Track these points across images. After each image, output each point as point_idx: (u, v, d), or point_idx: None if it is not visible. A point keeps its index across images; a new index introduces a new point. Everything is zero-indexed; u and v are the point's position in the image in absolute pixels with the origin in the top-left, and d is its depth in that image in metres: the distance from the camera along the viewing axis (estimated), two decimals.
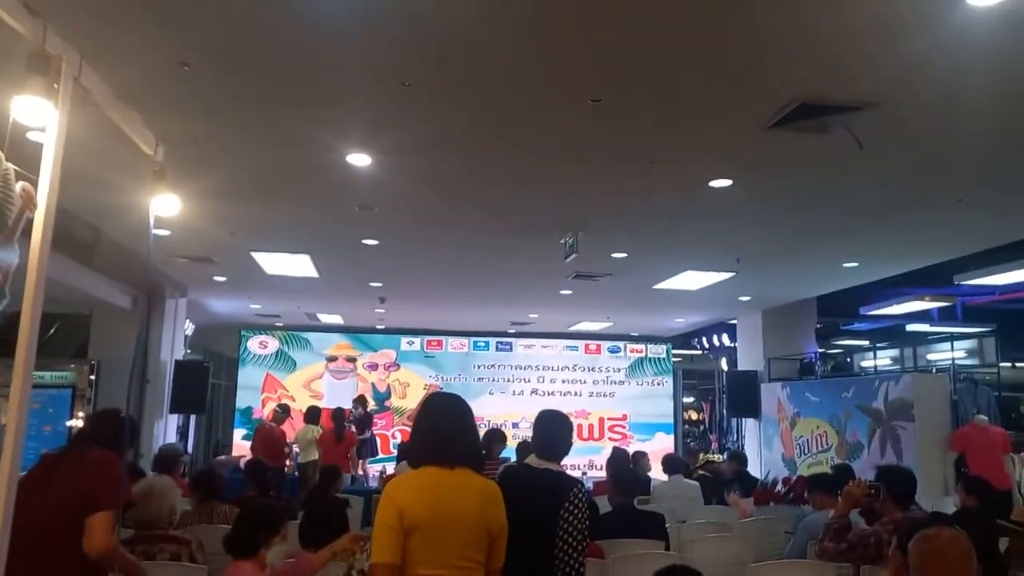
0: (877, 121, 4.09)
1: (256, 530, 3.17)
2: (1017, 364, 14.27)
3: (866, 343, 14.82)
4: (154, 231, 6.67)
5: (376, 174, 5.10)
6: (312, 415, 9.79)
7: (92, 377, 8.76)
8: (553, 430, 3.25)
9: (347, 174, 5.09)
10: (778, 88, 3.80)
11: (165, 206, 2.81)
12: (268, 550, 3.15)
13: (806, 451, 9.83)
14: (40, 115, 1.87)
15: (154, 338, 9.79)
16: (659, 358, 13.76)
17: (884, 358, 13.25)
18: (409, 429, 11.58)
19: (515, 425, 13.13)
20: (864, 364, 12.50)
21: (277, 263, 8.11)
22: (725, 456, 8.97)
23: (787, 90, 3.81)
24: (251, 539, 3.15)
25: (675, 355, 14.16)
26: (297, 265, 8.16)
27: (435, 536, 2.31)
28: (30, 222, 1.88)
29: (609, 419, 13.44)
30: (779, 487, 6.56)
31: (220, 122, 4.29)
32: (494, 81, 3.75)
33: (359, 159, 4.83)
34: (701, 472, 8.10)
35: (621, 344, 13.73)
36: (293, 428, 11.48)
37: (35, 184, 1.88)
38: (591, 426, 13.34)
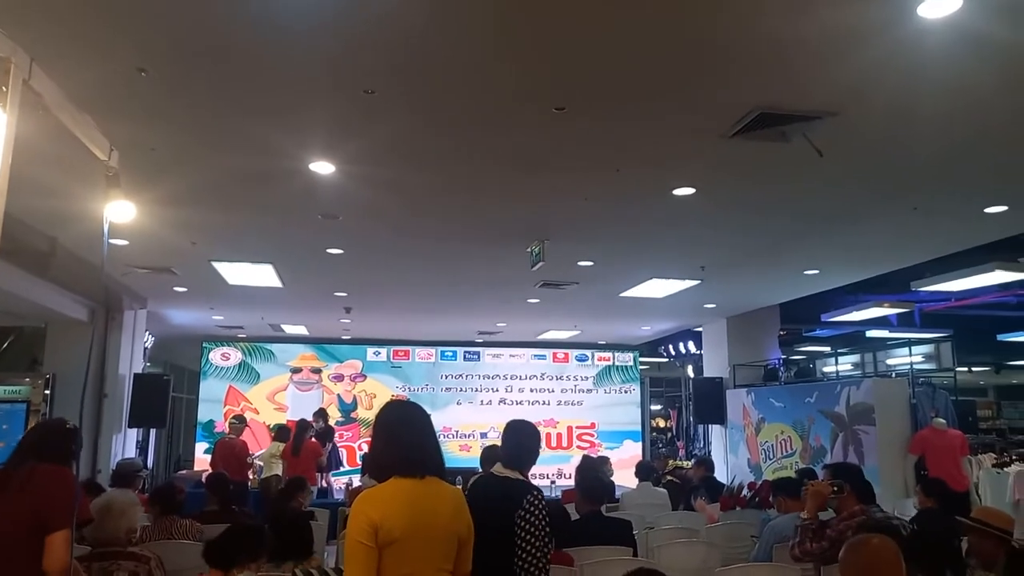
0: (835, 130, 4.16)
1: (238, 549, 3.13)
2: (973, 368, 14.65)
3: (828, 349, 15.08)
4: (111, 240, 6.54)
5: (339, 182, 5.05)
6: (281, 435, 9.60)
7: (47, 391, 8.53)
8: (519, 440, 3.29)
9: (310, 182, 5.03)
10: (737, 98, 3.85)
11: (119, 213, 2.74)
12: (241, 573, 3.10)
13: (771, 456, 9.94)
14: None
15: (112, 351, 9.56)
16: (626, 366, 13.84)
17: (845, 363, 13.50)
18: None
19: (483, 435, 13.09)
20: (826, 370, 12.70)
21: (239, 273, 7.99)
22: (692, 462, 9.02)
23: (746, 100, 3.87)
24: (230, 555, 3.11)
25: (642, 363, 14.25)
26: (260, 275, 8.05)
27: (411, 549, 2.28)
28: None
29: (577, 427, 13.46)
30: (745, 492, 6.62)
31: (178, 128, 4.21)
32: (458, 89, 3.74)
33: (322, 167, 4.79)
34: (669, 478, 8.14)
35: (589, 352, 13.78)
36: (256, 439, 11.32)
37: None
38: (559, 435, 13.36)
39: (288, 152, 4.54)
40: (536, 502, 3.00)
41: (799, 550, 4.03)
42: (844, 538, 3.89)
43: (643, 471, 7.48)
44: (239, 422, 9.62)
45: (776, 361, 11.16)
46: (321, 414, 10.87)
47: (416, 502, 2.34)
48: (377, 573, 2.24)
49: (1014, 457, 8.36)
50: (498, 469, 3.17)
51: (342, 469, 11.53)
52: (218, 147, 4.49)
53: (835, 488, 4.15)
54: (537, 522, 2.95)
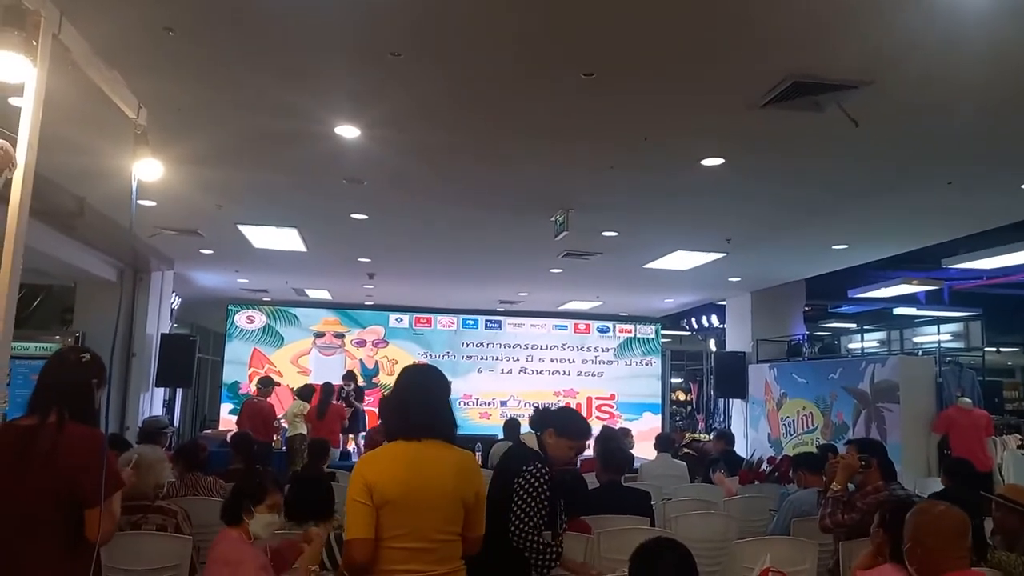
0: (870, 99, 4.05)
1: (239, 499, 3.18)
2: (1002, 349, 14.41)
3: (853, 326, 14.89)
4: (139, 201, 6.60)
5: (365, 147, 5.03)
6: (304, 393, 9.75)
7: None
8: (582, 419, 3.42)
9: (335, 146, 5.02)
10: (770, 66, 3.76)
11: (148, 171, 2.75)
12: (251, 519, 3.15)
13: (792, 432, 9.90)
14: (17, 71, 1.80)
15: (140, 311, 9.70)
16: (648, 338, 13.79)
17: (871, 341, 13.33)
18: None
19: (503, 403, 13.17)
20: (851, 346, 12.57)
21: (264, 237, 8.03)
22: (712, 435, 9.02)
23: (779, 68, 3.78)
24: (235, 508, 3.16)
25: (664, 336, 14.20)
26: (285, 239, 8.09)
27: (408, 510, 2.29)
28: (8, 182, 1.82)
29: (597, 399, 13.48)
30: (764, 466, 6.61)
31: (204, 88, 4.20)
32: (485, 52, 3.69)
33: (347, 131, 4.76)
34: (687, 451, 8.14)
35: (610, 324, 13.74)
36: (280, 401, 11.47)
37: (14, 143, 1.82)
38: (579, 405, 13.34)
39: (314, 115, 4.52)
40: (533, 471, 3.05)
41: (830, 520, 4.03)
42: (872, 511, 3.93)
43: (662, 443, 7.48)
44: (265, 385, 9.75)
45: (800, 337, 11.06)
46: (351, 376, 11.00)
47: (413, 464, 2.35)
48: (376, 532, 2.27)
49: None
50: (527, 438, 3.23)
51: (367, 431, 11.67)
52: (244, 108, 4.48)
53: (863, 463, 4.16)
54: (531, 490, 3.00)
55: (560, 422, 3.32)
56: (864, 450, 4.28)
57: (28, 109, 1.80)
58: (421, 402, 2.47)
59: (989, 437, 7.58)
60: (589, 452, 5.85)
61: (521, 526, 2.98)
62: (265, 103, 4.38)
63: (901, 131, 4.60)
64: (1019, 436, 8.26)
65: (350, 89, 4.20)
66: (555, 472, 3.25)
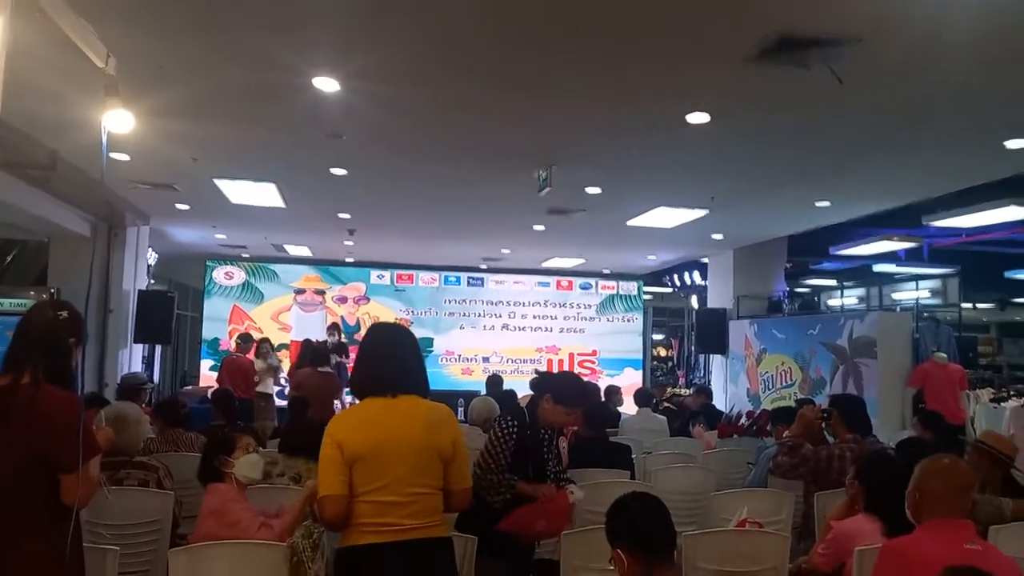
0: (859, 57, 4.00)
1: (212, 456, 3.17)
2: (978, 305, 14.64)
3: (834, 283, 15.04)
4: (113, 155, 6.44)
5: (344, 100, 4.91)
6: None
7: None
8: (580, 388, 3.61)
9: (314, 99, 4.89)
10: (760, 21, 3.70)
11: (118, 122, 2.66)
12: (231, 468, 3.14)
13: (770, 386, 10.04)
14: None
15: (116, 267, 9.56)
16: (630, 295, 13.84)
17: (851, 297, 13.49)
18: None
19: (485, 360, 13.22)
20: (831, 303, 12.71)
21: (242, 192, 7.89)
22: (691, 390, 9.12)
23: (769, 23, 3.72)
24: (210, 465, 3.15)
25: (646, 292, 14.25)
26: (262, 194, 7.95)
27: (379, 465, 2.32)
28: None
29: (579, 355, 13.56)
30: (743, 420, 6.70)
31: (178, 36, 4.05)
32: (469, 2, 3.58)
33: (326, 83, 4.64)
34: (667, 405, 8.24)
35: (593, 281, 13.76)
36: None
37: None
38: (561, 361, 13.46)
39: (291, 66, 4.39)
40: (500, 423, 3.41)
41: (773, 463, 4.24)
42: (817, 458, 4.08)
43: (640, 398, 7.57)
44: (244, 341, 9.68)
45: (781, 293, 11.14)
46: (335, 328, 10.95)
47: (382, 419, 2.38)
48: (350, 488, 2.30)
49: (1011, 392, 8.44)
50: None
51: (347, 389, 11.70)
52: (219, 58, 4.34)
53: (824, 414, 4.33)
54: (493, 439, 3.38)
55: (557, 389, 3.43)
56: (832, 405, 4.46)
57: None
58: (388, 358, 2.50)
59: (963, 391, 7.74)
60: None
61: (476, 468, 3.30)
62: (241, 53, 4.25)
63: (887, 89, 4.56)
64: (991, 390, 8.45)
65: (329, 39, 4.08)
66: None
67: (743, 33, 3.83)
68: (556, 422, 3.48)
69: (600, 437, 4.87)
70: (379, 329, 2.71)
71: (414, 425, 2.40)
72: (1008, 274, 12.88)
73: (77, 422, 2.21)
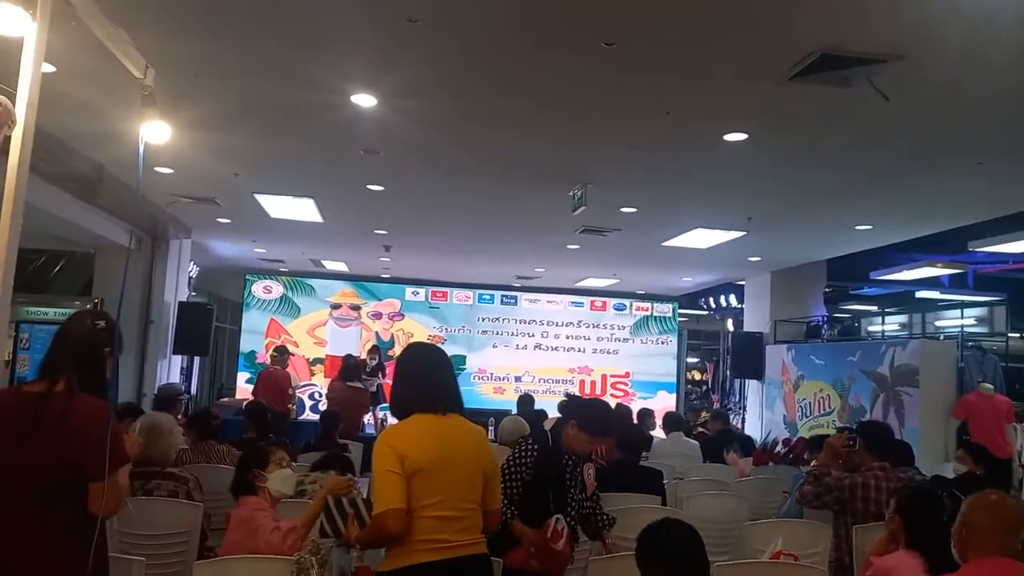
0: (900, 75, 3.92)
1: (246, 470, 3.18)
2: None
3: (874, 308, 14.70)
4: (157, 168, 6.59)
5: (381, 116, 4.96)
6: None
7: None
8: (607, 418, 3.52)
9: (351, 115, 4.95)
10: (799, 38, 3.65)
11: (155, 133, 2.70)
12: (264, 483, 3.15)
13: (808, 414, 9.81)
14: (16, 24, 1.75)
15: (158, 278, 9.75)
16: (665, 317, 13.70)
17: (892, 324, 13.16)
18: None
19: (517, 379, 13.17)
20: (871, 329, 12.41)
21: (281, 206, 8.01)
22: (709, 416, 8.95)
23: (808, 40, 3.66)
24: (244, 479, 3.16)
25: (681, 315, 14.09)
26: (301, 209, 8.06)
27: (438, 479, 2.35)
28: (8, 139, 1.78)
29: (612, 376, 13.44)
30: (779, 448, 6.53)
31: (217, 51, 4.12)
32: (504, 18, 3.60)
33: (364, 100, 4.69)
34: (700, 430, 8.10)
35: (627, 302, 13.65)
36: (296, 371, 11.55)
37: (12, 98, 1.77)
38: (593, 382, 13.36)
39: (329, 83, 4.45)
40: (520, 445, 3.33)
41: (799, 492, 4.14)
42: (841, 486, 3.97)
43: (670, 422, 7.44)
44: (280, 354, 9.78)
45: (820, 318, 10.92)
46: (376, 350, 11.04)
47: (440, 435, 2.42)
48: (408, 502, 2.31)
49: None
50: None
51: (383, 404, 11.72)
52: (258, 74, 4.41)
53: (850, 443, 4.22)
54: (510, 461, 3.27)
55: (583, 416, 3.36)
56: (857, 432, 4.34)
57: (28, 65, 1.75)
58: (435, 376, 2.55)
59: (1009, 424, 7.46)
60: None
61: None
62: (279, 69, 4.32)
63: (931, 109, 4.46)
64: None
65: (366, 56, 4.13)
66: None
67: (782, 50, 3.78)
68: (579, 449, 3.37)
69: (632, 461, 4.78)
70: (422, 348, 2.76)
71: (466, 443, 2.48)
72: None
73: (106, 430, 2.21)
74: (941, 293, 11.92)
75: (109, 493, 2.24)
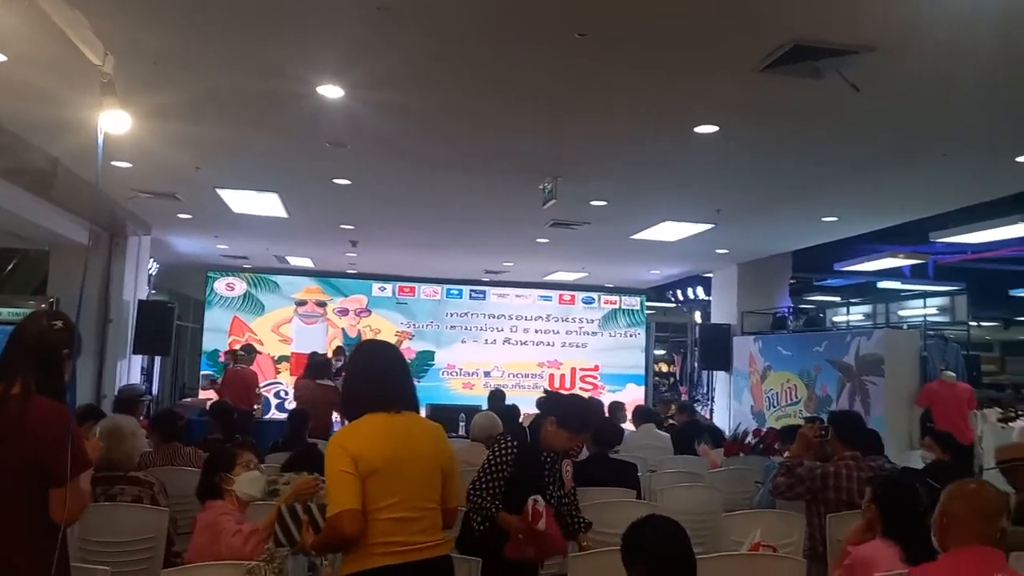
0: (872, 67, 3.94)
1: (212, 474, 3.09)
2: (983, 323, 14.55)
3: (838, 299, 14.93)
4: (115, 163, 6.39)
5: (348, 108, 4.86)
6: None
7: None
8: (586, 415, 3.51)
9: (318, 106, 4.83)
10: (771, 28, 3.64)
11: (115, 123, 2.58)
12: (231, 485, 3.06)
13: (775, 404, 9.92)
14: None
15: (116, 276, 9.47)
16: (633, 310, 13.73)
17: (856, 314, 13.38)
18: None
19: (487, 374, 13.10)
20: (837, 319, 12.60)
21: (244, 201, 7.83)
22: (675, 408, 9.01)
23: (780, 31, 3.66)
24: (210, 482, 3.07)
25: (649, 307, 14.15)
26: (265, 204, 7.89)
27: (394, 480, 2.29)
28: None
29: (581, 369, 13.44)
30: (750, 438, 6.59)
31: (179, 39, 3.97)
32: (475, 7, 3.53)
33: (330, 91, 4.58)
34: (671, 422, 8.13)
35: (595, 295, 13.67)
36: (261, 370, 11.33)
37: None
38: (563, 376, 13.34)
39: (295, 72, 4.33)
40: (498, 444, 3.33)
41: (772, 484, 4.18)
42: (812, 476, 4.02)
43: (640, 415, 7.46)
44: (247, 352, 9.59)
45: (786, 309, 11.04)
46: (341, 351, 10.85)
47: (395, 434, 2.37)
48: (364, 503, 2.25)
49: (1020, 412, 8.32)
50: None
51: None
52: (221, 62, 4.26)
53: (822, 432, 4.27)
54: (490, 458, 3.30)
55: (562, 412, 3.33)
56: (828, 422, 4.39)
57: None
58: (390, 374, 2.49)
59: (972, 411, 7.62)
60: None
61: (469, 486, 3.24)
62: (243, 58, 4.19)
63: (900, 101, 4.50)
64: (999, 410, 8.33)
65: (333, 45, 4.02)
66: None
67: (755, 41, 3.77)
68: (558, 446, 3.35)
69: (605, 454, 4.76)
70: (377, 346, 2.72)
71: (423, 441, 2.43)
72: (1013, 292, 12.79)
73: (66, 434, 2.15)
74: (902, 283, 12.15)
75: (71, 499, 2.16)
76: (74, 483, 2.16)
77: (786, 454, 4.34)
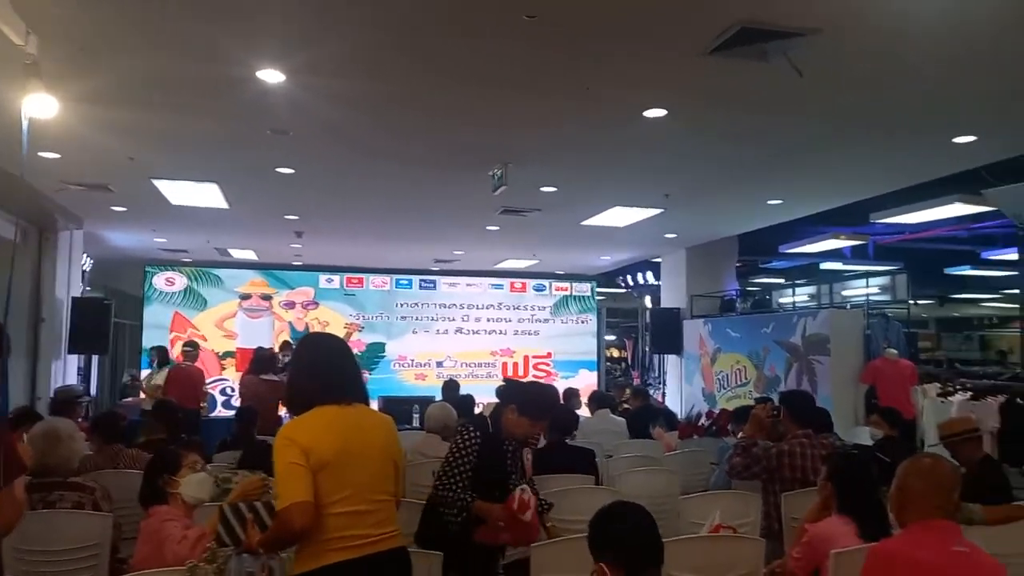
0: (818, 50, 3.97)
1: (155, 477, 2.95)
2: (920, 301, 15.06)
3: (783, 281, 15.26)
4: (42, 154, 6.07)
5: (290, 93, 4.69)
6: (162, 357, 9.35)
7: None
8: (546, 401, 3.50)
9: (258, 92, 4.65)
10: (718, 10, 3.63)
11: (40, 107, 2.41)
12: (176, 488, 2.93)
13: (726, 385, 10.08)
14: None
15: (47, 273, 9.05)
16: (584, 296, 13.80)
17: (802, 295, 13.69)
18: None
19: (439, 364, 13.01)
20: (782, 301, 12.88)
21: (182, 193, 7.54)
22: (628, 393, 9.09)
23: (729, 12, 3.65)
24: (154, 486, 2.92)
25: (599, 293, 14.24)
26: (204, 195, 7.61)
27: (346, 473, 2.24)
28: None
29: (534, 357, 13.45)
30: (703, 420, 6.66)
31: (111, 17, 3.74)
32: None
33: (271, 75, 4.41)
34: (626, 407, 8.18)
35: (546, 283, 13.68)
36: (206, 367, 11.01)
37: None
38: (516, 364, 13.34)
39: (233, 55, 4.15)
40: (463, 432, 3.30)
41: (728, 465, 4.25)
42: (768, 455, 4.10)
43: (596, 400, 7.49)
44: (192, 348, 9.29)
45: (734, 292, 11.22)
46: (287, 345, 10.59)
47: (345, 426, 2.31)
48: (316, 497, 2.19)
49: (957, 387, 8.61)
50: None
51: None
52: (154, 43, 4.03)
53: (774, 412, 4.38)
54: (454, 449, 3.25)
55: (522, 400, 3.29)
56: (780, 402, 4.52)
57: None
58: (338, 366, 2.44)
59: (913, 386, 7.85)
60: None
61: (436, 480, 3.22)
62: (181, 40, 3.99)
63: (844, 84, 4.55)
64: (938, 385, 8.60)
65: (274, 29, 3.87)
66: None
67: (702, 23, 3.76)
68: (519, 434, 3.31)
69: (562, 441, 4.74)
70: (322, 338, 2.74)
71: (375, 433, 2.40)
72: (948, 270, 13.25)
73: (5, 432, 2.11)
74: (844, 264, 12.46)
75: (5, 507, 2.07)
76: (8, 490, 2.07)
77: (740, 435, 4.39)
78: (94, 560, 3.25)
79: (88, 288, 10.98)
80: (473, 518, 3.14)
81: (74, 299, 9.48)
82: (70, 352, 9.46)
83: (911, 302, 9.76)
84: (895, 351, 7.93)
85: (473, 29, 3.83)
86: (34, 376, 8.92)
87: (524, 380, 3.70)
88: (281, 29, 3.88)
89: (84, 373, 10.41)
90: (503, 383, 3.83)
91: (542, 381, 10.06)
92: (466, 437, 3.25)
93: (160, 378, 8.91)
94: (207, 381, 10.17)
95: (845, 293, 12.65)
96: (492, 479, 3.23)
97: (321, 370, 2.41)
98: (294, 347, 2.57)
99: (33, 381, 8.89)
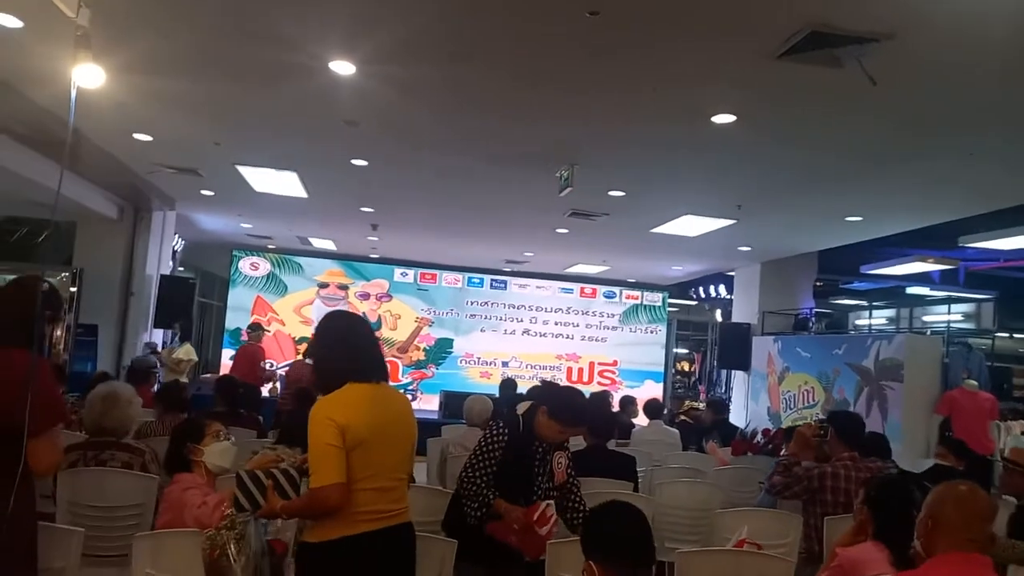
0: (891, 55, 3.81)
1: (179, 444, 3.06)
2: (1015, 335, 14.15)
3: (864, 303, 14.63)
4: (136, 135, 6.46)
5: (360, 85, 4.83)
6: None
7: (72, 288, 8.61)
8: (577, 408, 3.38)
9: (330, 82, 4.81)
10: (788, 13, 3.54)
11: (87, 77, 2.57)
12: (200, 456, 3.03)
13: (792, 406, 9.75)
14: None
15: (140, 250, 9.65)
16: (654, 306, 13.62)
17: (880, 318, 13.10)
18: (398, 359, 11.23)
19: (504, 364, 13.09)
20: (859, 323, 12.34)
21: (264, 179, 7.87)
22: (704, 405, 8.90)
23: (797, 16, 3.56)
24: (178, 454, 3.04)
25: (671, 304, 14.02)
26: (285, 183, 7.92)
27: (376, 451, 2.32)
28: None
29: (599, 364, 13.37)
30: (759, 438, 6.47)
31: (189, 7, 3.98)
32: None
33: (342, 67, 4.56)
34: (683, 418, 8.03)
35: (617, 290, 13.57)
36: (281, 349, 11.44)
37: None
38: (580, 370, 13.29)
39: (306, 48, 4.31)
40: (492, 427, 3.30)
41: (768, 483, 4.11)
42: (809, 476, 3.95)
43: (650, 410, 7.39)
44: (256, 330, 9.68)
45: (808, 311, 10.84)
46: None
47: (376, 404, 2.38)
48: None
49: None
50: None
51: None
52: (227, 27, 4.22)
53: (821, 432, 4.19)
54: (482, 443, 3.24)
55: (553, 403, 3.23)
56: (827, 421, 4.31)
57: None
58: (367, 345, 2.50)
59: (993, 421, 7.40)
60: None
61: (461, 471, 3.23)
62: (251, 26, 4.15)
63: (921, 92, 4.35)
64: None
65: (344, 19, 3.98)
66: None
67: (772, 26, 3.67)
68: (549, 438, 3.24)
69: (602, 447, 4.70)
70: (346, 316, 2.79)
71: (403, 411, 2.48)
72: None
73: (48, 379, 2.27)
74: (931, 290, 11.85)
75: (44, 450, 2.22)
76: (46, 436, 2.22)
77: (783, 453, 4.25)
78: (137, 519, 3.38)
79: (180, 268, 11.58)
80: (493, 514, 3.13)
81: (162, 276, 10.04)
82: (155, 326, 10.01)
83: (1003, 334, 9.20)
84: (975, 382, 7.49)
85: (537, 24, 3.84)
86: (121, 346, 9.49)
87: (562, 385, 3.64)
88: (351, 20, 3.97)
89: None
90: (537, 384, 3.81)
91: (595, 387, 9.98)
92: (493, 433, 3.24)
93: (182, 352, 9.07)
94: (280, 364, 10.55)
95: (926, 319, 12.03)
96: (518, 479, 3.20)
97: (351, 349, 2.46)
98: (316, 324, 2.61)
99: (120, 351, 9.46)
